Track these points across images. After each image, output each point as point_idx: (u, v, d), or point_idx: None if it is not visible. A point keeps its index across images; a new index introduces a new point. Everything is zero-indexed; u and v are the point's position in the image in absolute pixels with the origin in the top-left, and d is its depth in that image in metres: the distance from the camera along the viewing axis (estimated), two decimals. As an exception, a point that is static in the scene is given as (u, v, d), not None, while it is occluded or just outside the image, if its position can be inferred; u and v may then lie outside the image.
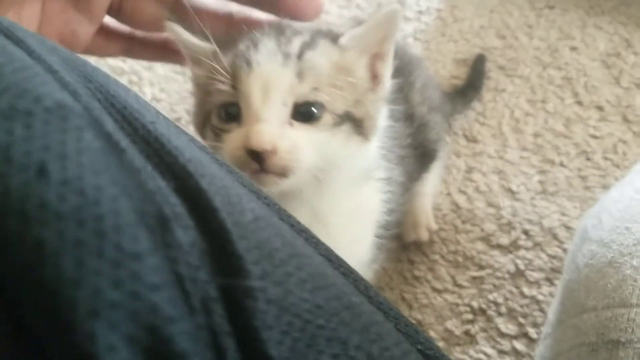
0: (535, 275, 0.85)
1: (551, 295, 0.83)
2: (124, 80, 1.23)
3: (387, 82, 0.59)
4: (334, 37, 0.56)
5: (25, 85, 0.27)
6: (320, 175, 0.54)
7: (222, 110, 0.54)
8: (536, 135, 1.01)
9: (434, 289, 0.86)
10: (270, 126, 0.50)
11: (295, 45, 0.53)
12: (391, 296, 0.86)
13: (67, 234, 0.22)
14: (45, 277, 0.21)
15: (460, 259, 0.88)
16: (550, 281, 0.85)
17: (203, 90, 0.57)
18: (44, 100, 0.26)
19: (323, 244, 0.35)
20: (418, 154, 0.78)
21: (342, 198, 0.60)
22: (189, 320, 0.23)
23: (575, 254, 0.67)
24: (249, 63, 0.52)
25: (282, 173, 0.51)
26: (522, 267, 0.86)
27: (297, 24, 0.57)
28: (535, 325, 0.81)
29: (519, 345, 0.79)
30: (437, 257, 0.89)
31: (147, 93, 1.20)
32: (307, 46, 0.53)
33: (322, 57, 0.53)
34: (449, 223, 0.92)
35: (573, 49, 1.13)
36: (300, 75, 0.51)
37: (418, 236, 0.90)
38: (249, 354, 0.24)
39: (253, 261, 0.27)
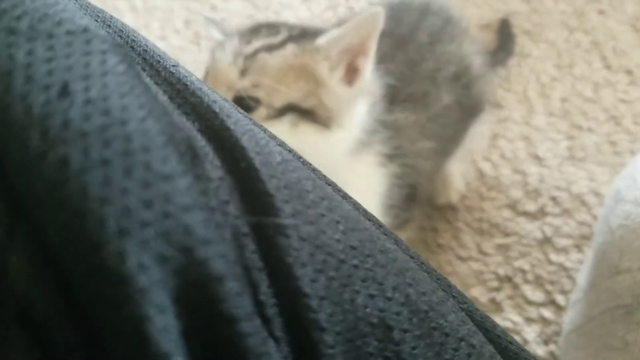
0: (563, 242, 0.83)
1: (579, 262, 0.81)
2: (140, 52, 1.22)
3: (367, 77, 0.62)
4: (311, 37, 0.62)
5: (46, 11, 0.25)
6: None
7: None
8: (563, 100, 0.98)
9: (459, 257, 0.84)
10: None
11: (252, 47, 0.61)
12: (414, 264, 0.84)
13: (92, 152, 0.21)
14: (71, 195, 0.20)
15: (485, 226, 0.86)
16: (578, 248, 0.82)
17: None
18: (66, 24, 0.25)
19: (350, 197, 0.34)
20: (470, 105, 0.77)
21: (334, 172, 0.62)
22: (223, 246, 0.22)
23: (608, 216, 0.64)
24: (213, 58, 0.61)
25: None
26: (549, 234, 0.84)
27: (293, 24, 0.66)
28: (562, 292, 0.78)
29: (547, 312, 0.77)
30: (461, 224, 0.86)
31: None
32: (262, 50, 0.60)
33: (275, 58, 0.60)
34: (474, 191, 0.90)
35: (600, 12, 1.09)
36: (243, 72, 0.59)
37: (448, 199, 0.89)
38: (282, 291, 0.23)
39: (283, 200, 0.26)
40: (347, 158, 0.65)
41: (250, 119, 0.33)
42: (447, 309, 0.29)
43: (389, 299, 0.26)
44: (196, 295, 0.21)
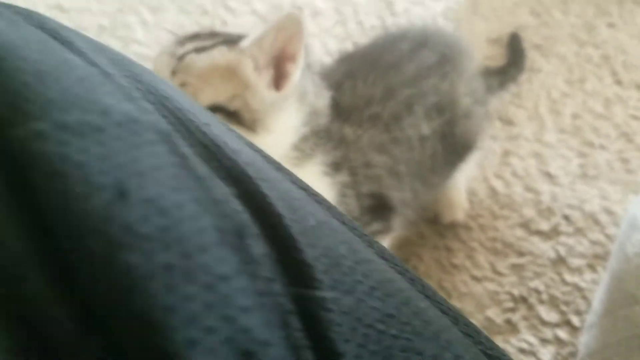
0: (577, 261, 0.83)
1: (594, 282, 0.81)
2: (148, 67, 1.22)
3: (295, 81, 0.64)
4: (233, 41, 0.64)
5: (90, 97, 0.25)
6: None
7: None
8: (575, 116, 0.99)
9: (473, 277, 0.84)
10: None
11: (183, 49, 0.64)
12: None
13: (155, 257, 0.21)
14: (137, 304, 0.20)
15: (499, 245, 0.86)
16: (592, 268, 0.83)
17: None
18: (112, 114, 0.25)
19: (375, 241, 0.34)
20: (453, 143, 0.77)
21: None
22: (279, 342, 0.22)
23: (624, 242, 0.65)
24: (154, 62, 0.66)
25: None
26: (563, 253, 0.84)
27: (237, 32, 0.69)
28: (578, 313, 0.79)
29: (562, 333, 0.78)
30: (475, 244, 0.87)
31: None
32: (193, 51, 0.63)
33: (201, 60, 0.63)
34: (487, 209, 0.90)
35: (610, 25, 1.10)
36: (174, 72, 0.62)
37: (454, 217, 0.89)
38: None
39: (323, 270, 0.26)
40: (291, 167, 0.66)
41: (285, 174, 0.34)
42: None
43: None
44: None
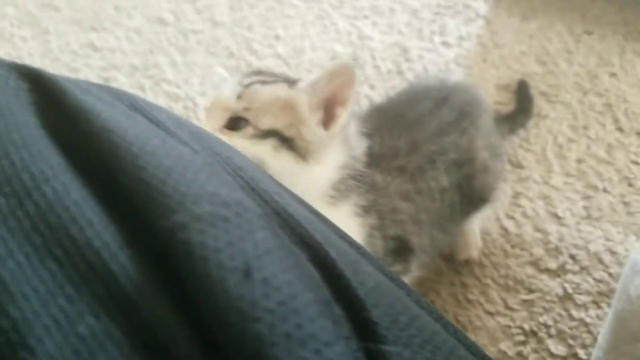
0: (582, 298, 0.91)
1: (599, 317, 0.88)
2: (179, 106, 1.30)
3: (342, 124, 0.71)
4: (293, 82, 0.73)
5: (210, 189, 0.31)
6: None
7: None
8: (579, 161, 1.07)
9: (487, 312, 0.91)
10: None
11: (249, 80, 0.73)
12: (446, 318, 0.92)
13: (277, 327, 0.27)
14: None
15: (510, 282, 0.94)
16: (597, 304, 0.90)
17: None
18: (231, 205, 0.31)
19: (412, 289, 0.40)
20: (470, 195, 0.85)
21: None
22: None
23: (627, 285, 0.72)
24: (219, 90, 0.74)
25: None
26: (570, 290, 0.91)
27: (292, 76, 0.79)
28: (584, 346, 0.86)
29: (570, 365, 0.85)
30: (488, 280, 0.94)
31: (203, 118, 1.27)
32: (257, 82, 0.72)
33: (265, 90, 0.71)
34: (499, 247, 0.98)
35: (612, 75, 1.18)
36: (239, 97, 0.70)
37: (469, 255, 0.97)
38: None
39: (386, 327, 0.31)
40: (325, 206, 0.72)
41: (341, 235, 0.39)
42: None
43: None
44: None
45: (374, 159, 0.77)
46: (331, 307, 0.31)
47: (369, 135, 0.78)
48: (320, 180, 0.72)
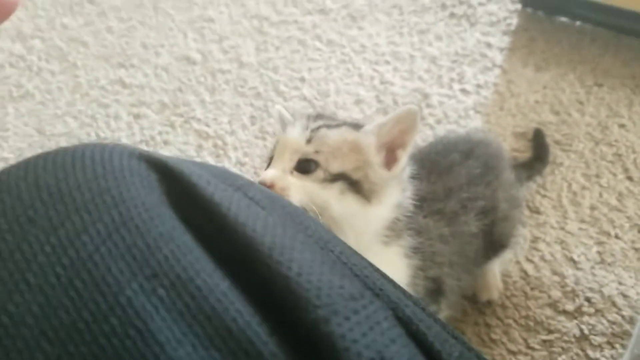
0: (598, 339, 0.97)
1: (613, 357, 0.95)
2: (209, 144, 1.36)
3: (402, 165, 0.77)
4: (359, 126, 0.78)
5: (335, 282, 0.35)
6: (325, 221, 0.71)
7: (268, 162, 0.78)
8: (592, 208, 1.14)
9: (510, 351, 0.98)
10: (275, 171, 0.72)
11: (316, 124, 0.76)
12: (471, 355, 0.98)
13: None
14: None
15: (531, 323, 1.00)
16: (611, 345, 0.96)
17: None
18: (359, 299, 0.35)
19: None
20: (492, 241, 0.92)
21: (367, 257, 0.75)
22: None
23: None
24: (284, 131, 0.77)
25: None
26: (586, 331, 0.98)
27: (350, 120, 0.84)
28: (601, 385, 0.93)
29: (588, 403, 0.91)
30: (510, 321, 1.01)
31: (232, 157, 1.33)
32: (324, 126, 0.75)
33: (333, 134, 0.74)
34: (519, 289, 1.04)
35: (622, 126, 1.26)
36: (308, 141, 0.73)
37: (489, 296, 1.03)
38: None
39: None
40: (379, 245, 0.77)
41: (419, 304, 0.43)
42: None
43: None
44: None
45: (418, 202, 0.82)
46: None
47: (415, 178, 0.83)
48: (379, 221, 0.76)
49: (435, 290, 0.84)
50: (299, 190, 0.72)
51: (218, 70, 1.53)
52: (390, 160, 0.77)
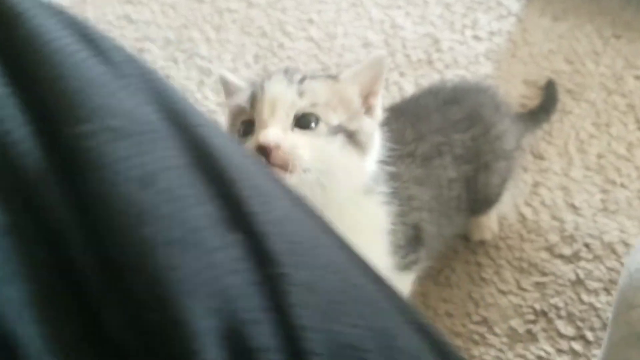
0: (594, 284, 0.93)
1: (608, 304, 0.90)
2: (210, 81, 1.34)
3: (379, 111, 0.75)
4: (333, 76, 0.74)
5: (124, 106, 0.34)
6: (324, 179, 0.66)
7: (242, 127, 0.69)
8: (599, 156, 1.09)
9: (500, 290, 0.94)
10: (275, 129, 0.64)
11: (298, 76, 0.70)
12: (459, 294, 0.94)
13: (165, 233, 0.30)
14: None
15: (524, 265, 0.96)
16: (607, 291, 0.92)
17: (232, 116, 0.73)
18: (141, 124, 0.34)
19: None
20: (476, 191, 0.88)
21: (348, 209, 0.71)
22: None
23: (629, 263, 0.75)
24: (262, 88, 0.68)
25: (285, 167, 0.64)
26: (582, 276, 0.94)
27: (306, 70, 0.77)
28: (592, 329, 0.88)
29: (577, 346, 0.87)
30: (503, 261, 0.97)
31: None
32: (307, 77, 0.70)
33: (318, 84, 0.70)
34: (515, 232, 1.00)
35: (637, 77, 1.20)
36: (300, 94, 0.67)
37: (482, 237, 1.00)
38: None
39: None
40: (362, 195, 0.73)
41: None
42: None
43: None
44: None
45: (390, 148, 0.78)
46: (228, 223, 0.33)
47: (384, 124, 0.79)
48: (370, 170, 0.73)
49: (415, 238, 0.80)
50: (307, 147, 0.66)
51: (226, 9, 1.50)
52: (367, 109, 0.74)
